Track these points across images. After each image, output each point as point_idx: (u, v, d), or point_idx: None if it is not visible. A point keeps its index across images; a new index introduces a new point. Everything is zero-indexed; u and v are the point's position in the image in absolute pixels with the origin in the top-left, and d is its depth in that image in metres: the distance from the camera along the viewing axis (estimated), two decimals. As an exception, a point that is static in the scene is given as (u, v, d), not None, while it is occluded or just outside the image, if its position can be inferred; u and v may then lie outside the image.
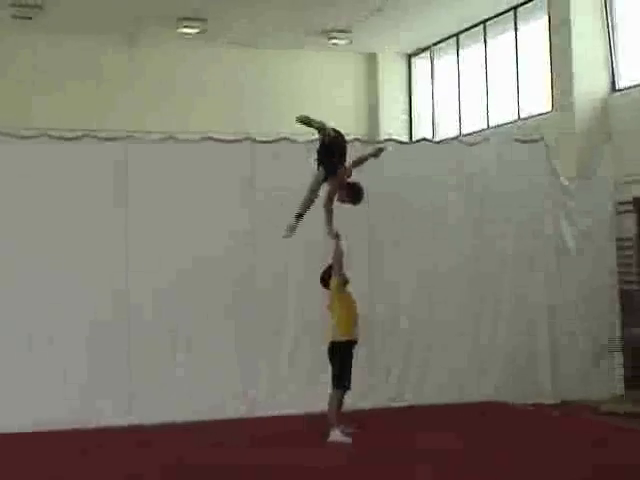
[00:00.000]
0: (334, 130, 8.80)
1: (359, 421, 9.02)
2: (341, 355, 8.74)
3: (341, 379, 8.71)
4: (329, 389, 8.81)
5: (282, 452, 8.21)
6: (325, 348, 8.94)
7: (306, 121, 8.74)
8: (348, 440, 8.53)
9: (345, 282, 8.90)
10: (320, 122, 8.74)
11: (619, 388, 11.13)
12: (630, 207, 11.84)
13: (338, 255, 8.85)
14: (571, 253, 11.25)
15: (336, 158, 8.73)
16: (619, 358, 11.24)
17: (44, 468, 7.85)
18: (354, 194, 8.76)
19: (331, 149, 8.73)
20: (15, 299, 9.63)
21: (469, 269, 11.07)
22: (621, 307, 11.37)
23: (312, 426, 9.05)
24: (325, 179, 8.76)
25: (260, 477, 7.40)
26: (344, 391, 8.76)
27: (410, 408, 10.33)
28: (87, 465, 7.94)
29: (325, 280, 8.98)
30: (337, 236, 8.86)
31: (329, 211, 8.82)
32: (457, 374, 10.82)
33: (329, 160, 8.71)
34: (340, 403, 8.77)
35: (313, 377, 9.97)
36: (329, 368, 8.86)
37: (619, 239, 11.60)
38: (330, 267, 8.95)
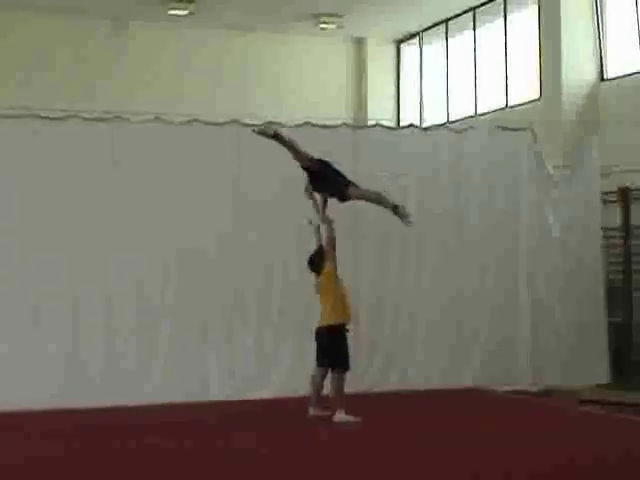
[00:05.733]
0: (319, 159, 8.67)
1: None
2: (338, 338, 8.74)
3: (344, 361, 8.72)
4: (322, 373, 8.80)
5: (266, 435, 8.22)
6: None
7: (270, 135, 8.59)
8: (357, 419, 8.53)
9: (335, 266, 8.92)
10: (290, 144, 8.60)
11: (603, 376, 11.18)
12: (615, 197, 11.86)
13: (331, 240, 8.83)
14: (556, 242, 11.27)
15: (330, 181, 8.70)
16: (604, 346, 11.31)
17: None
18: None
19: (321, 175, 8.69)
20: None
21: (453, 256, 11.08)
22: (605, 296, 11.41)
23: (297, 409, 9.06)
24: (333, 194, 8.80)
25: (244, 460, 7.40)
26: (346, 372, 8.77)
27: (393, 394, 10.35)
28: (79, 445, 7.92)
29: (314, 264, 8.95)
30: (329, 221, 8.85)
31: (324, 200, 8.91)
32: (440, 361, 10.84)
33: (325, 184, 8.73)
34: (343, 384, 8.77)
35: (299, 360, 10.00)
36: (313, 351, 8.89)
37: (603, 229, 11.63)
38: (318, 251, 8.94)
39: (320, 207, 9.01)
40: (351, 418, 8.57)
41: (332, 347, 8.75)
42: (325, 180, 8.70)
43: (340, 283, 8.92)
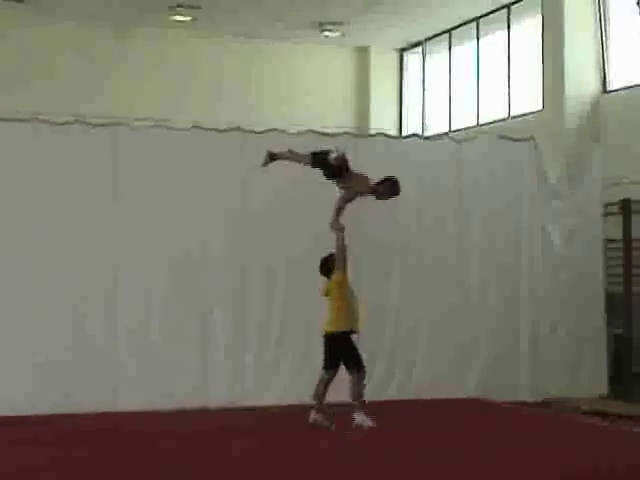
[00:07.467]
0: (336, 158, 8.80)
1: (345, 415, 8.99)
2: (342, 344, 8.75)
3: (358, 362, 8.76)
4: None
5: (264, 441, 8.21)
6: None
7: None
8: (372, 423, 8.56)
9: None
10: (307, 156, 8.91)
11: (602, 388, 11.17)
12: (616, 209, 11.85)
13: (341, 248, 8.79)
14: (557, 253, 11.26)
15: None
16: (603, 358, 11.30)
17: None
18: (391, 188, 8.84)
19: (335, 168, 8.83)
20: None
21: (454, 267, 11.06)
22: (606, 308, 11.39)
23: (297, 416, 9.04)
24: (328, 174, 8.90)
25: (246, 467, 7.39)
26: (364, 373, 8.81)
27: (394, 403, 10.33)
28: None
29: (325, 267, 8.90)
30: (341, 228, 8.81)
31: (340, 207, 8.86)
32: (441, 371, 10.83)
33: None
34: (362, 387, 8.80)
35: (300, 368, 9.98)
36: (316, 358, 8.88)
37: (604, 240, 11.61)
38: (330, 255, 8.88)
39: (335, 214, 8.88)
40: (369, 421, 8.59)
41: (336, 353, 8.76)
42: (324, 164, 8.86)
43: (350, 291, 8.88)
